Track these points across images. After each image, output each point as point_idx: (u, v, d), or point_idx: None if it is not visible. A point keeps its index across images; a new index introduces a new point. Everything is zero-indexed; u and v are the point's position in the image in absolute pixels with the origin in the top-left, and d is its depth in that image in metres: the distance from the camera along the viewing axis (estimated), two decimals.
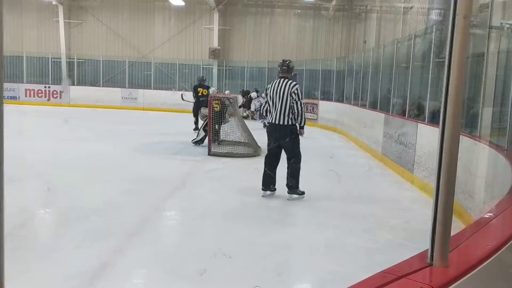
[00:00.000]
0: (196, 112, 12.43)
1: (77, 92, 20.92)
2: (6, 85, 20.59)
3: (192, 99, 12.81)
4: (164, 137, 11.88)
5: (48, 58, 21.84)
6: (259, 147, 9.40)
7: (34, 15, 21.84)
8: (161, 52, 21.82)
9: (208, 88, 12.49)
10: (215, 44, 21.38)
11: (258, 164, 7.53)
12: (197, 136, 10.37)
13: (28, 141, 8.77)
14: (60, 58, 21.91)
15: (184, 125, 13.07)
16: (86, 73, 22.22)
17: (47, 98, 20.71)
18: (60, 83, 21.38)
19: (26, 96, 20.60)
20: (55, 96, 20.82)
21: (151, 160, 8.65)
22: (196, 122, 12.54)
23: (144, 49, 22.00)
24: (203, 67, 21.76)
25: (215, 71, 21.87)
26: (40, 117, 15.02)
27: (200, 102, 11.84)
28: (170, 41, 21.89)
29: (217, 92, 11.90)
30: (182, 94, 14.66)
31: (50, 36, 21.79)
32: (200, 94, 12.24)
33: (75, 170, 7.32)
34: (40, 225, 4.90)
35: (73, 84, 21.66)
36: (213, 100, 9.61)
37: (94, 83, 21.85)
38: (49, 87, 20.95)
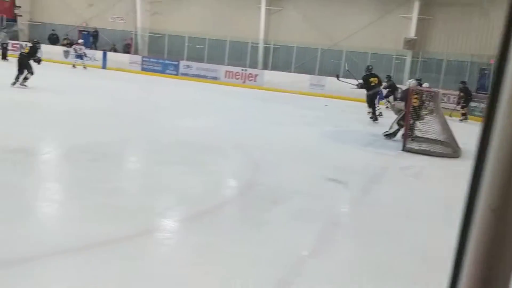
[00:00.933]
0: (371, 103, 12.84)
1: (270, 76, 21.98)
2: (209, 66, 22.70)
3: (353, 85, 13.16)
4: (351, 126, 11.86)
5: (248, 43, 23.35)
6: (459, 148, 8.72)
7: (241, 2, 23.48)
8: (353, 41, 21.65)
9: (376, 77, 12.79)
10: (412, 34, 20.41)
11: (459, 167, 7.00)
12: (389, 128, 10.08)
13: (234, 122, 9.50)
14: (258, 44, 23.26)
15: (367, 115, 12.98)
16: (279, 58, 23.21)
17: (243, 80, 22.20)
18: (256, 67, 22.73)
19: (225, 77, 22.37)
20: (250, 79, 22.20)
21: (342, 149, 8.68)
22: (373, 113, 12.83)
23: (336, 37, 22.08)
24: (395, 58, 21.00)
25: (408, 62, 20.93)
26: (240, 99, 16.17)
27: (373, 93, 12.57)
28: (363, 30, 21.57)
29: (417, 85, 11.34)
30: (337, 75, 14.86)
31: (251, 22, 23.22)
32: (372, 84, 12.59)
33: (275, 151, 7.70)
34: (246, 200, 5.24)
35: (267, 69, 22.82)
36: (413, 93, 9.18)
37: (286, 69, 22.70)
38: (245, 70, 22.42)
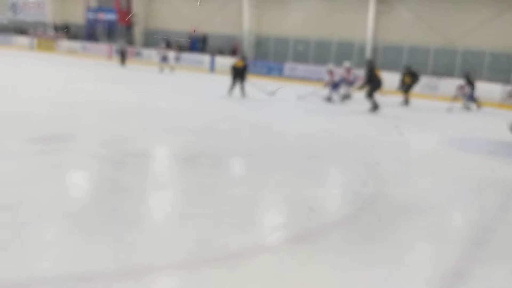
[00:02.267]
0: None
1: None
2: (314, 67, 22.39)
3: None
4: (474, 131, 10.94)
5: (354, 43, 22.74)
6: None
7: (347, 3, 22.93)
8: (469, 40, 20.15)
9: None
10: None
11: None
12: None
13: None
14: (365, 44, 22.56)
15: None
16: (388, 59, 22.29)
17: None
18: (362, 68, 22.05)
19: None
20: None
21: (469, 156, 7.97)
22: None
23: (450, 35, 20.70)
24: None
25: None
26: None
27: None
28: (480, 28, 19.99)
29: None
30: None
31: (358, 22, 22.58)
32: None
33: (401, 159, 7.24)
34: (373, 214, 4.88)
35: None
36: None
37: (394, 69, 21.72)
38: None
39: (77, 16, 32.25)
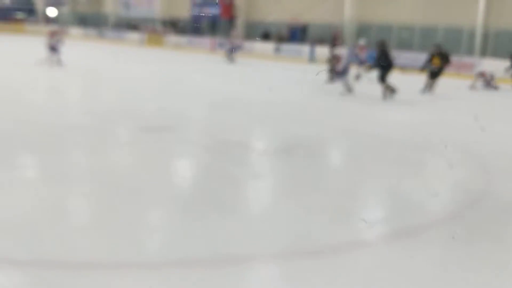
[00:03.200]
0: None
1: (488, 65, 19.72)
2: (418, 55, 21.42)
3: None
4: None
5: (462, 29, 21.44)
6: None
7: None
8: None
9: None
10: None
11: None
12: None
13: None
14: (475, 29, 21.14)
15: None
16: (501, 45, 20.67)
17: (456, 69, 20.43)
18: (472, 55, 20.68)
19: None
20: (463, 68, 20.30)
21: None
22: None
23: None
24: None
25: None
26: (456, 91, 14.86)
27: None
28: None
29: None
30: None
31: (466, 6, 21.20)
32: None
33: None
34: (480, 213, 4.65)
35: (484, 56, 20.62)
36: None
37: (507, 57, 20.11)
38: (461, 58, 20.59)
39: (183, 11, 33.75)
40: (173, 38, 32.33)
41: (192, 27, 33.03)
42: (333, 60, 13.02)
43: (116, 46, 30.83)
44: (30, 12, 46.10)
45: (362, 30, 25.16)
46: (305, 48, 25.09)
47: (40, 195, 4.29)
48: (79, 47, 25.01)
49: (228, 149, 6.26)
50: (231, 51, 22.11)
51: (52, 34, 16.08)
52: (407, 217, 4.19)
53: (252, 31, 28.72)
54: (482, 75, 15.50)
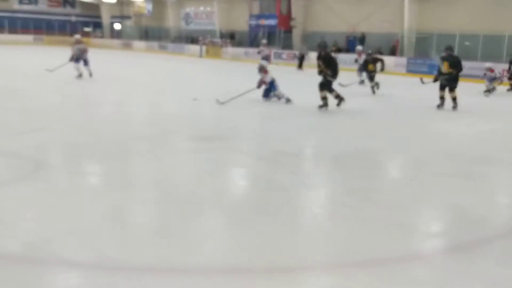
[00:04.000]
0: None
1: None
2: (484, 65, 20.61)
3: None
4: None
5: (505, 36, 20.66)
6: None
7: None
8: None
9: None
10: None
11: None
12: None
13: None
14: None
15: None
16: None
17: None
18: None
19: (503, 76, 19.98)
20: None
21: None
22: None
23: None
24: None
25: None
26: None
27: None
28: None
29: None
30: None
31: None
32: None
33: None
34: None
35: None
36: None
37: None
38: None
39: (242, 23, 34.29)
40: (230, 50, 32.89)
41: (250, 39, 33.45)
42: (261, 70, 11.92)
43: (177, 57, 31.73)
44: (96, 25, 48.50)
45: (421, 39, 24.55)
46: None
47: (103, 201, 4.49)
48: (142, 59, 25.93)
49: (281, 159, 6.28)
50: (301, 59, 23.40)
51: (77, 43, 15.54)
52: (465, 231, 4.04)
53: (309, 41, 28.66)
54: (490, 70, 15.50)
